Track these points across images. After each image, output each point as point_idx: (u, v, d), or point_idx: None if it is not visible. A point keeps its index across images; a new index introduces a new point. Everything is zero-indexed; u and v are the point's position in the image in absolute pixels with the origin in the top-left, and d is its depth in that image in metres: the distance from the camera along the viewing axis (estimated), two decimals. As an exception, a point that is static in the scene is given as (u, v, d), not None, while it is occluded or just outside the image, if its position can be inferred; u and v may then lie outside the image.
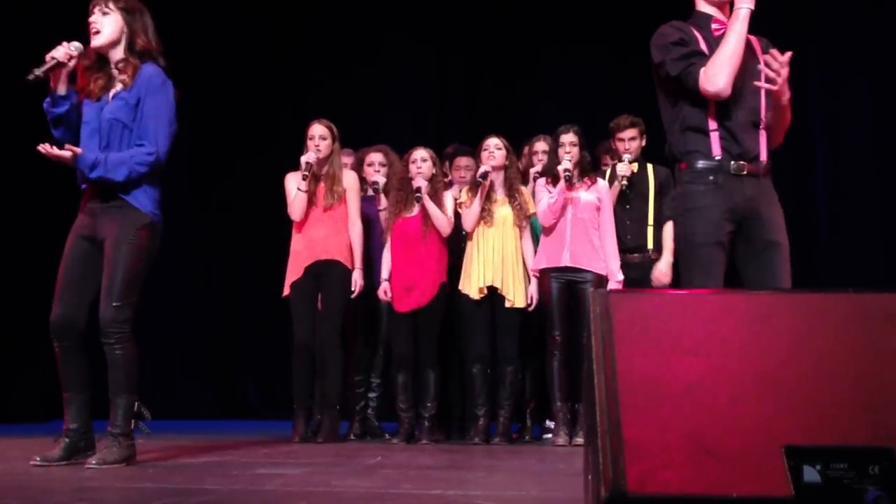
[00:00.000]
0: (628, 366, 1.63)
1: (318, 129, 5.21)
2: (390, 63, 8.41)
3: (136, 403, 3.61)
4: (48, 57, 3.49)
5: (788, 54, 3.03)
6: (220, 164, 8.43)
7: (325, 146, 5.19)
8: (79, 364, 3.60)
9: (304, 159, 5.10)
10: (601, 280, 5.01)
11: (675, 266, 5.06)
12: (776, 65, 3.01)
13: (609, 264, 5.05)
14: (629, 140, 5.32)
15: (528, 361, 5.35)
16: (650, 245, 5.22)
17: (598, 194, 5.11)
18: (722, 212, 3.03)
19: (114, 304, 3.50)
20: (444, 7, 8.22)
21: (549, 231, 5.08)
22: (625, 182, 5.20)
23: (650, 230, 5.24)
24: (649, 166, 5.35)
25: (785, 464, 1.51)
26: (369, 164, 5.58)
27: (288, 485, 2.90)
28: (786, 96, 3.10)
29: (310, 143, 5.19)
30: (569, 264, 5.00)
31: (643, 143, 5.37)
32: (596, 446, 1.56)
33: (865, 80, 7.11)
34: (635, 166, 5.30)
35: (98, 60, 3.67)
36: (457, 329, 5.33)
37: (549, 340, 5.03)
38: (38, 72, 3.46)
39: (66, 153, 3.49)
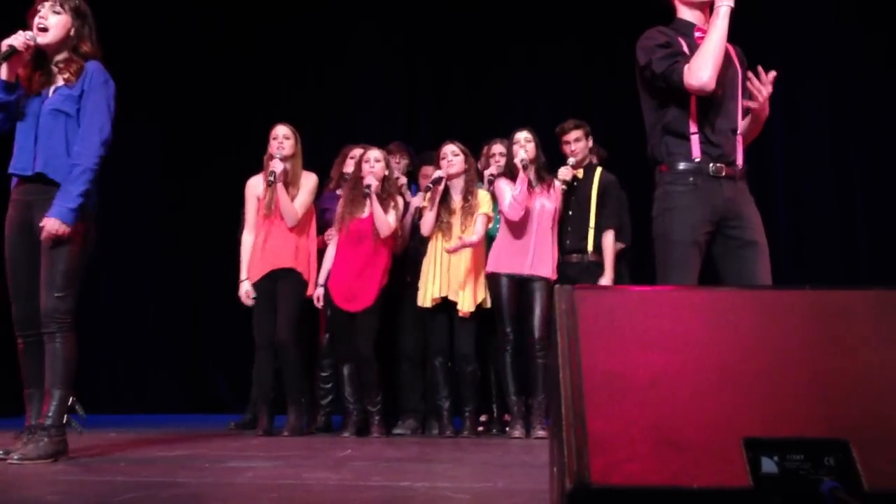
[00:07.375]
0: (593, 361, 1.65)
1: (281, 130, 5.31)
2: (359, 62, 8.44)
3: (72, 398, 3.54)
4: (5, 45, 3.45)
5: (773, 74, 3.13)
6: (192, 164, 8.43)
7: (288, 146, 5.27)
8: (41, 359, 3.55)
9: (272, 168, 5.17)
10: (549, 282, 5.09)
11: (618, 281, 5.20)
12: (758, 84, 3.12)
13: (551, 264, 5.16)
14: (574, 142, 5.43)
15: (494, 358, 5.40)
16: (590, 247, 5.32)
17: (555, 203, 5.22)
18: (701, 212, 3.09)
19: (56, 294, 3.48)
20: (412, 6, 8.24)
21: (515, 233, 5.14)
22: (564, 187, 5.30)
23: (591, 233, 5.33)
24: (598, 171, 5.45)
25: (744, 455, 1.54)
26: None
27: (259, 478, 2.92)
28: (765, 113, 3.21)
29: (273, 143, 5.26)
30: (530, 273, 5.10)
31: (589, 143, 5.49)
32: (561, 439, 1.58)
33: (823, 85, 7.27)
34: (580, 172, 5.40)
35: (37, 56, 3.62)
36: (416, 327, 5.42)
37: (502, 337, 5.11)
38: None
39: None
